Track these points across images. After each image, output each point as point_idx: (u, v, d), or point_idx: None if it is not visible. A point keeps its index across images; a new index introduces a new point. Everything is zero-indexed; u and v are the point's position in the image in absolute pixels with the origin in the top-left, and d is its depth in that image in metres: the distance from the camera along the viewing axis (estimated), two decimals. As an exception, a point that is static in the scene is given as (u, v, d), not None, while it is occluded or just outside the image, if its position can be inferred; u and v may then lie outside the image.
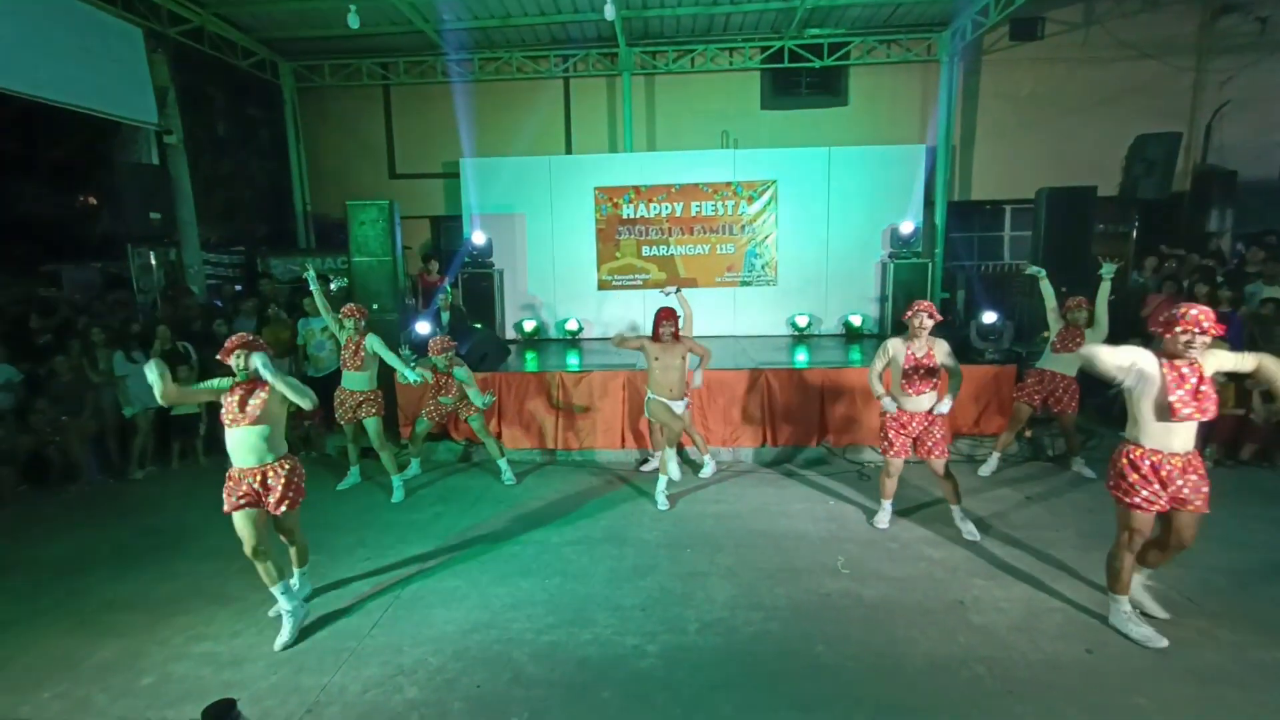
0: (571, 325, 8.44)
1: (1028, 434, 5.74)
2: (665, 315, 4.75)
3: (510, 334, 8.41)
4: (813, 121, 9.08)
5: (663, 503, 4.81)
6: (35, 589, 3.89)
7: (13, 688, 3.01)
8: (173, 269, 7.53)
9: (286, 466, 3.32)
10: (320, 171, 9.59)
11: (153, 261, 7.12)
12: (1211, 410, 2.90)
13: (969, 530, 4.22)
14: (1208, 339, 2.85)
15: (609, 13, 6.92)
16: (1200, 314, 2.85)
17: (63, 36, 6.05)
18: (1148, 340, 5.02)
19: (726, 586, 3.72)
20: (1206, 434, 5.39)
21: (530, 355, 7.48)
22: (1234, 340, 5.64)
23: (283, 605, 3.33)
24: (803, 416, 5.85)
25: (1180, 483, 3.00)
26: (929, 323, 4.09)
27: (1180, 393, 2.88)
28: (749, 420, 5.87)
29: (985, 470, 5.33)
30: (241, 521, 3.24)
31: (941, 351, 4.14)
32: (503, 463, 5.46)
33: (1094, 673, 2.92)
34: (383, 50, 8.86)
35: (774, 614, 3.43)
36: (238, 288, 8.38)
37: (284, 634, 3.27)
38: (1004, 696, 2.78)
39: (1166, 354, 2.95)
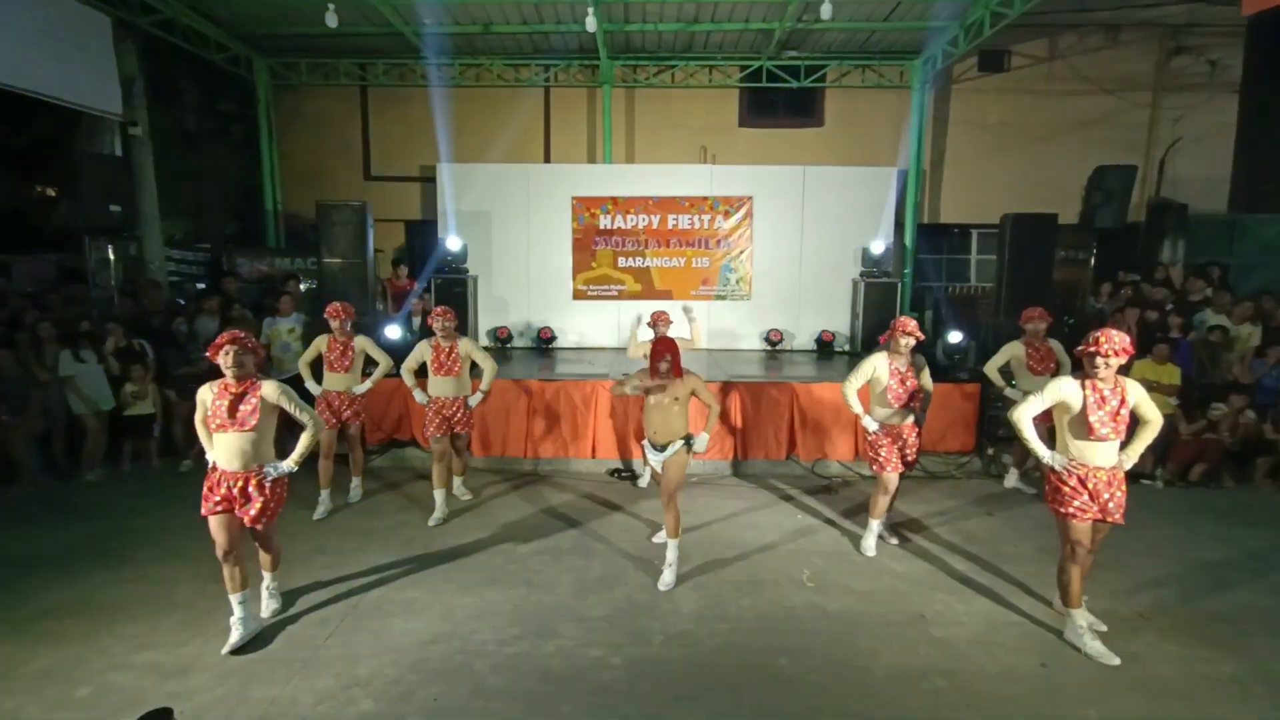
0: (545, 334, 8.39)
1: (990, 451, 5.88)
2: (663, 349, 3.77)
3: (484, 340, 8.32)
4: (789, 140, 9.25)
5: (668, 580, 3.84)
6: (-34, 594, 3.69)
7: (-65, 699, 2.84)
8: (132, 264, 7.28)
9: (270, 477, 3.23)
10: (293, 170, 9.40)
11: (111, 256, 6.88)
12: (1124, 433, 3.15)
13: (869, 546, 4.28)
14: (1110, 361, 3.03)
15: (590, 24, 6.97)
16: (1100, 336, 3.06)
17: (26, 20, 5.85)
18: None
19: (692, 598, 3.70)
20: (1162, 456, 5.61)
21: (503, 363, 7.40)
22: (1184, 364, 5.89)
23: (236, 614, 3.23)
24: (773, 430, 5.89)
25: (1106, 496, 3.17)
26: (911, 341, 4.12)
27: (1100, 414, 3.07)
28: (719, 433, 5.89)
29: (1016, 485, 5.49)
30: (216, 525, 3.17)
31: (919, 368, 4.24)
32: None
33: (1049, 685, 2.97)
34: (361, 51, 8.77)
35: (739, 626, 3.42)
36: (199, 285, 8.14)
37: (232, 639, 3.18)
38: (962, 708, 2.81)
39: (1091, 375, 3.13)
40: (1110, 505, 3.18)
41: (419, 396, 4.85)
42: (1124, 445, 3.20)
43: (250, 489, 3.17)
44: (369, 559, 4.15)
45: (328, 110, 9.37)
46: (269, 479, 3.20)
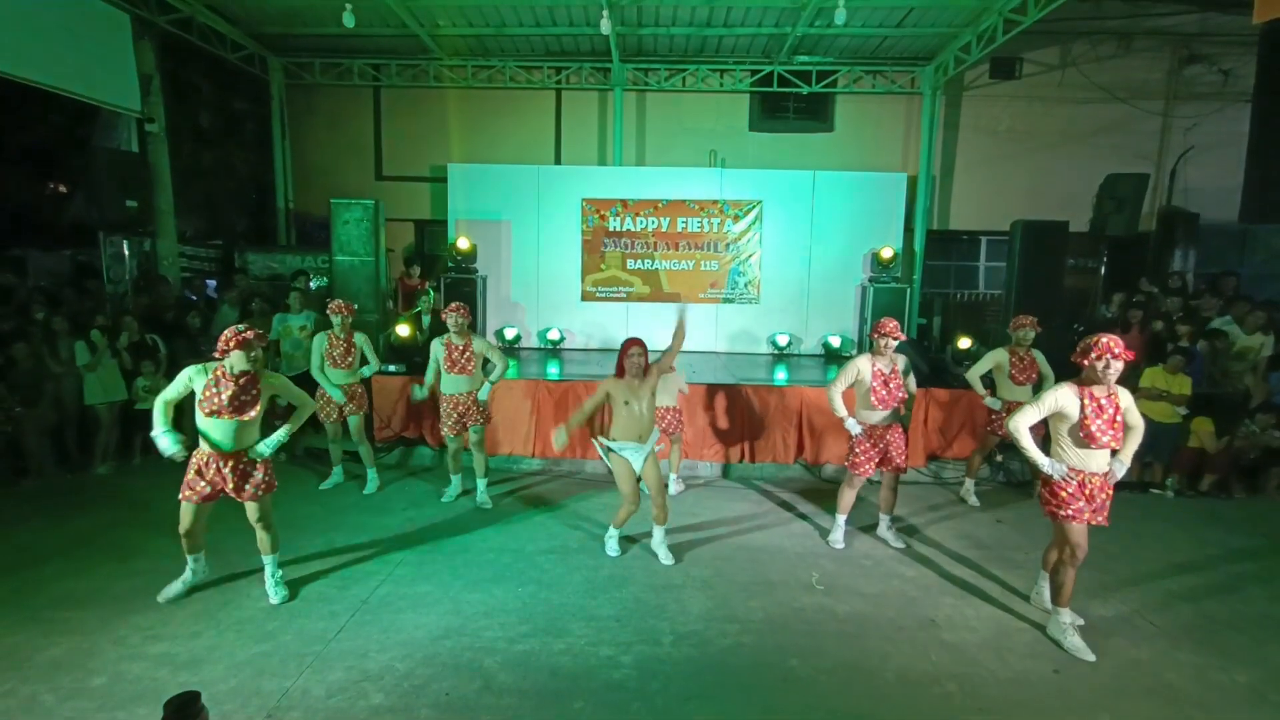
0: (553, 335, 8.41)
1: (999, 458, 5.87)
2: (633, 343, 3.99)
3: (491, 341, 8.34)
4: (799, 145, 9.26)
5: (612, 548, 4.27)
6: (-19, 583, 3.72)
7: (-48, 685, 2.86)
8: (146, 259, 7.34)
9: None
10: (305, 169, 9.46)
11: (126, 251, 6.93)
12: (1121, 439, 3.20)
13: (892, 538, 4.45)
14: (1121, 364, 3.06)
15: (604, 27, 7.01)
16: (1110, 341, 3.08)
17: (47, 17, 5.92)
18: None
19: (701, 599, 3.71)
20: (1168, 465, 5.59)
21: (511, 363, 7.42)
22: (1195, 373, 5.86)
23: (186, 573, 3.60)
24: (781, 433, 5.89)
25: (1100, 500, 3.22)
26: (891, 342, 4.18)
27: (1099, 421, 3.11)
28: (727, 435, 5.89)
29: (973, 501, 5.31)
30: (189, 511, 3.43)
31: (904, 370, 4.32)
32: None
33: (1061, 691, 2.96)
34: (375, 51, 8.83)
35: (748, 627, 3.42)
36: (209, 281, 8.19)
37: (171, 589, 3.56)
38: (974, 713, 2.80)
39: (1087, 382, 3.15)
40: (1098, 507, 3.24)
41: (417, 393, 4.96)
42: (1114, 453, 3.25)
43: (245, 466, 3.44)
44: (379, 554, 4.16)
45: (340, 110, 9.43)
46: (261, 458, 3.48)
